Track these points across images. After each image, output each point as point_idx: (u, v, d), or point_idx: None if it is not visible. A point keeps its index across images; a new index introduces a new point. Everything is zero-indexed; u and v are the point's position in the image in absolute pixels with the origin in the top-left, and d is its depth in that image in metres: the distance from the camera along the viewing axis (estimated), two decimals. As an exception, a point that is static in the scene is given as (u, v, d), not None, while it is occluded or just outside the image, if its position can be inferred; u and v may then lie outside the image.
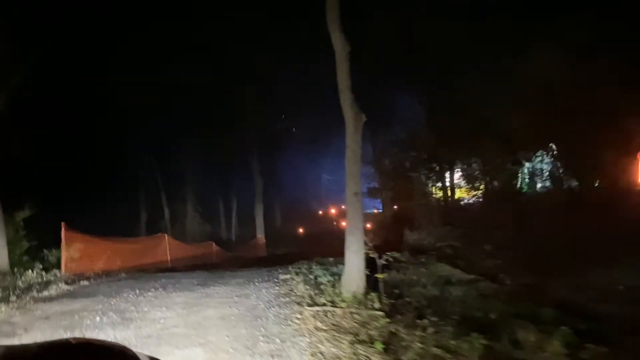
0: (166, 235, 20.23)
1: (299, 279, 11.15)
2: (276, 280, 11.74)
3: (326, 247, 35.86)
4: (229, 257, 26.16)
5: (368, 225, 39.30)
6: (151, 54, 28.49)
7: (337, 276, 10.62)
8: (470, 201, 28.59)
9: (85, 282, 12.66)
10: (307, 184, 61.04)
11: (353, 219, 9.74)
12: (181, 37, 28.64)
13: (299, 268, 13.07)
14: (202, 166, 40.97)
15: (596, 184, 21.39)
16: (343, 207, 52.74)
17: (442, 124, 25.03)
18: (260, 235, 31.59)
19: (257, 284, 11.41)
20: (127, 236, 20.92)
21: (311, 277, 11.46)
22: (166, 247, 19.65)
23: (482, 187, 26.73)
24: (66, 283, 12.21)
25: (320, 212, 57.95)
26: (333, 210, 51.36)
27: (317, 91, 37.12)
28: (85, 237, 15.01)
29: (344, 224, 31.08)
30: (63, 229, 14.03)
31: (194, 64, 29.90)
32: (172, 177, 41.74)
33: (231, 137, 37.32)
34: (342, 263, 10.18)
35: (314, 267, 13.02)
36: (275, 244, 37.79)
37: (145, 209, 41.51)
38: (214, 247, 24.60)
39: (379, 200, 37.82)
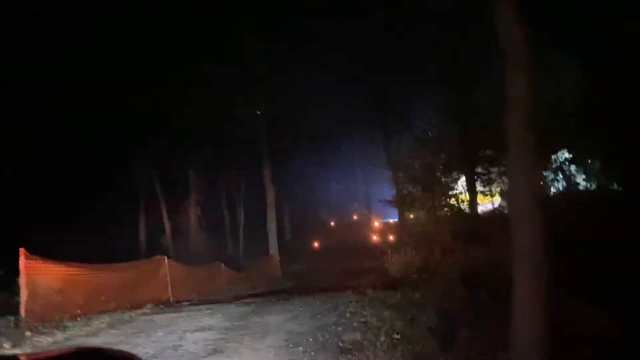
0: (165, 258, 16.25)
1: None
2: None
3: (347, 263, 32.19)
4: (247, 283, 22.22)
5: (391, 237, 35.50)
6: (152, 58, 26.85)
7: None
8: (485, 208, 25.19)
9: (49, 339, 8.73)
10: (316, 193, 57.34)
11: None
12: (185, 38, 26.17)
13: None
14: (206, 175, 37.27)
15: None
16: (391, 220, 49.43)
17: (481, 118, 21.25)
18: (274, 252, 27.62)
19: None
20: (125, 257, 17.04)
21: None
22: (166, 275, 15.68)
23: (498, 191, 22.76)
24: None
25: (332, 224, 54.08)
26: (376, 224, 46.47)
27: (322, 91, 34.52)
28: (55, 267, 11.05)
29: (375, 237, 27.15)
30: (22, 257, 10.08)
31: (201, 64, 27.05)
32: (173, 188, 38.02)
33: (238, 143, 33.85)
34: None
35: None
36: (288, 260, 33.91)
37: (145, 224, 37.74)
38: (223, 268, 20.61)
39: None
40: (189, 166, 35.78)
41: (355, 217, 58.61)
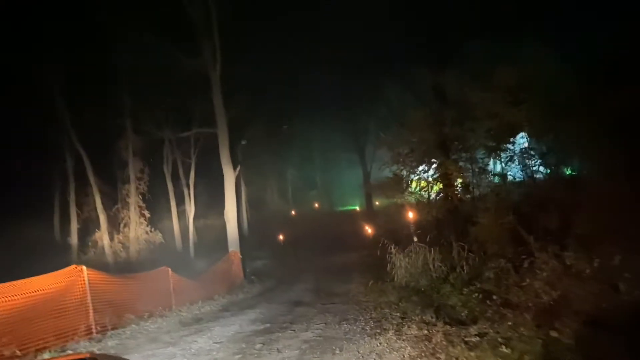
0: (84, 269, 10.86)
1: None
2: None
3: (321, 259, 27.32)
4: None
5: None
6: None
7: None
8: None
9: None
10: (271, 180, 52.64)
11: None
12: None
13: None
14: (149, 157, 31.54)
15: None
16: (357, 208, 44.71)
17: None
18: (234, 248, 22.38)
19: None
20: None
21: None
22: (85, 294, 10.37)
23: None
24: None
25: (293, 213, 49.20)
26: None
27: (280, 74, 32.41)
28: None
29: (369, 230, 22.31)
30: None
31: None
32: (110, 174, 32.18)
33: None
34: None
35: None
36: (249, 256, 28.82)
37: (78, 215, 31.81)
38: (170, 275, 15.26)
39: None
40: (127, 146, 29.89)
41: (316, 205, 54.20)
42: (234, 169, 22.56)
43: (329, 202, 55.17)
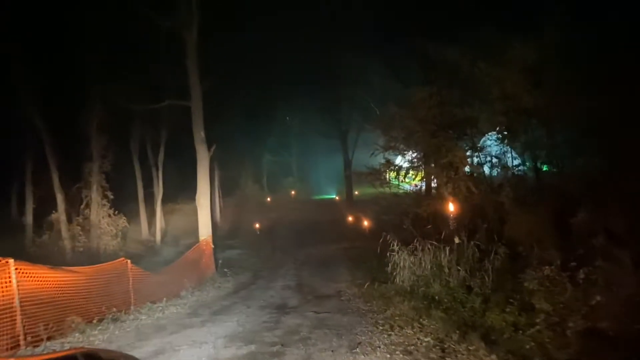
0: (11, 262, 8.37)
1: None
2: None
3: (302, 249, 24.96)
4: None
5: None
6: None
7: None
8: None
9: None
10: (246, 165, 50.16)
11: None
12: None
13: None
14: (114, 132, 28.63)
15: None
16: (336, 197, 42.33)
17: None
18: (206, 237, 19.96)
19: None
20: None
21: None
22: (12, 296, 7.97)
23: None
24: None
25: (269, 199, 46.81)
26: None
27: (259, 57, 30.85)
28: None
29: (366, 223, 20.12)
30: None
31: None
32: (69, 149, 29.16)
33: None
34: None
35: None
36: (222, 245, 26.47)
37: (35, 193, 28.91)
38: (130, 270, 12.82)
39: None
40: (90, 119, 26.98)
41: (292, 192, 51.93)
42: (209, 148, 20.05)
43: (305, 190, 53.18)
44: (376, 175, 19.52)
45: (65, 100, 25.95)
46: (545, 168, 13.85)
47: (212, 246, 19.87)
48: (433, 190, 16.04)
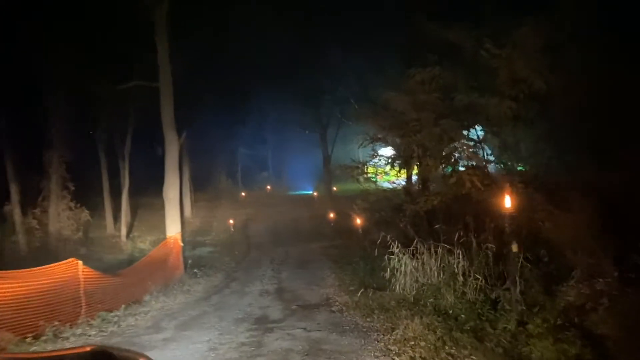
0: None
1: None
2: None
3: (278, 248, 22.86)
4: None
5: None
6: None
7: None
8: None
9: None
10: (220, 158, 48.15)
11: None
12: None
13: None
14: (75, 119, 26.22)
15: None
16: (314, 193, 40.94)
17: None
18: (174, 234, 17.88)
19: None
20: None
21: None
22: None
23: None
24: None
25: (243, 194, 44.78)
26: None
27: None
28: None
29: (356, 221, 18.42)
30: None
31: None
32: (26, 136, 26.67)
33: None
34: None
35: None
36: (192, 242, 24.59)
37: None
38: (81, 272, 10.77)
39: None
40: (50, 102, 24.57)
41: (268, 187, 49.99)
42: (179, 136, 18.03)
43: (281, 186, 51.33)
44: (362, 169, 18.17)
45: (22, 80, 23.55)
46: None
47: (181, 244, 17.87)
48: (434, 185, 14.31)
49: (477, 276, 8.99)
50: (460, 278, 9.11)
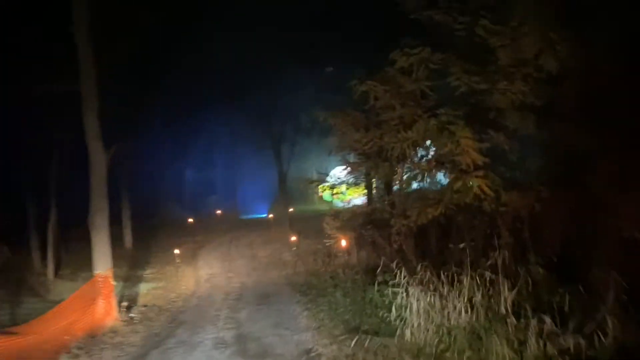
0: None
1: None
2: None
3: (234, 280, 18.18)
4: None
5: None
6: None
7: None
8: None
9: None
10: (165, 182, 44.87)
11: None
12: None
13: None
14: None
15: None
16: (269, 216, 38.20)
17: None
18: (103, 271, 14.26)
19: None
20: None
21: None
22: None
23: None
24: None
25: (190, 220, 41.13)
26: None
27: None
28: None
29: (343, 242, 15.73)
30: None
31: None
32: None
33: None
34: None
35: None
36: (131, 277, 21.14)
37: None
38: None
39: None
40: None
41: (218, 212, 46.54)
42: (107, 148, 14.64)
43: (233, 209, 48.06)
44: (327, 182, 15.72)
45: None
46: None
47: (114, 283, 14.40)
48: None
49: (542, 316, 6.18)
50: (510, 320, 6.30)
